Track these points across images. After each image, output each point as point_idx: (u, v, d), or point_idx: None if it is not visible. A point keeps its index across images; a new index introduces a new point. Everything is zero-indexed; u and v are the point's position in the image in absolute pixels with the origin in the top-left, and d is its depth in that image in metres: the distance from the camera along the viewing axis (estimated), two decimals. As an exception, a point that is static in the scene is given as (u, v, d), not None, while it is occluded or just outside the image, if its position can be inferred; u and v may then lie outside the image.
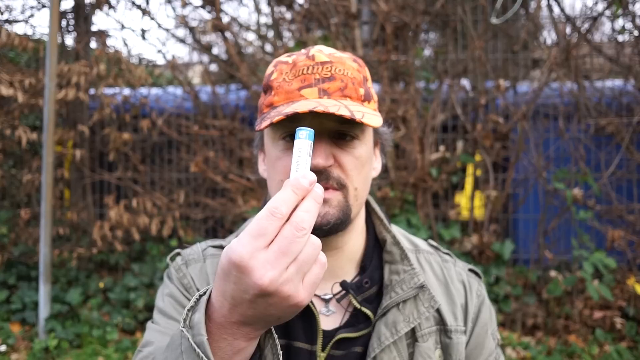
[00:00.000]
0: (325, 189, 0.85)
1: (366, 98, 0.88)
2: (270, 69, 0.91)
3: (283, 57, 0.90)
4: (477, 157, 4.02)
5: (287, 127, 0.85)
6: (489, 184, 3.95)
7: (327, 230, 0.86)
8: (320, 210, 0.83)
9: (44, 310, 3.67)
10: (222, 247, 1.02)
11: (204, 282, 0.96)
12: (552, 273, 3.67)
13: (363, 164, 0.89)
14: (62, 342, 3.56)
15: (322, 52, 0.88)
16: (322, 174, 0.84)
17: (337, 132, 0.86)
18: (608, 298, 3.39)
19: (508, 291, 3.73)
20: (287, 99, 0.85)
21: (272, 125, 0.83)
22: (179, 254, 1.03)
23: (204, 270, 0.97)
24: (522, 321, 3.68)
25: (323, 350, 0.90)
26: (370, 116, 0.83)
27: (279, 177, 0.88)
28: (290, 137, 0.86)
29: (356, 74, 0.88)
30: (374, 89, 0.94)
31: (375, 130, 0.95)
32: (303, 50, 0.91)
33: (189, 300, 0.93)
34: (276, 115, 0.80)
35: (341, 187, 0.86)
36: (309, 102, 0.81)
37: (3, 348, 3.51)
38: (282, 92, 0.85)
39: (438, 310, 0.96)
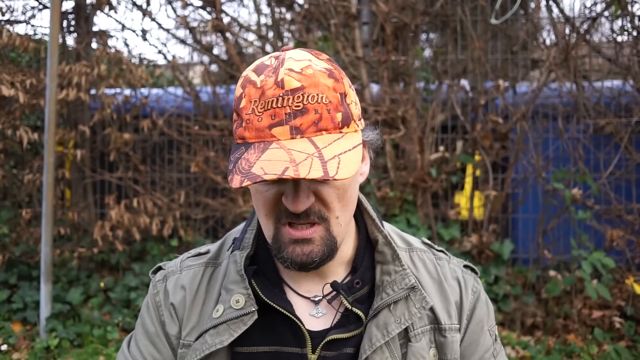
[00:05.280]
0: (307, 224, 0.84)
1: (344, 123, 0.81)
2: (238, 90, 0.84)
3: (252, 74, 0.83)
4: (477, 157, 4.03)
5: None
6: (488, 183, 3.97)
7: (315, 267, 0.85)
8: (305, 249, 0.84)
9: (45, 310, 3.68)
10: (199, 255, 1.03)
11: (177, 294, 0.97)
12: (551, 273, 3.68)
13: (345, 190, 0.85)
14: (63, 342, 3.58)
15: (292, 72, 0.79)
16: (302, 213, 0.83)
17: None
18: (607, 298, 3.39)
19: (507, 291, 3.74)
20: (258, 137, 0.80)
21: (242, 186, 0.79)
22: (160, 267, 1.04)
23: (179, 282, 0.98)
24: (521, 321, 3.69)
25: (314, 352, 0.89)
26: (348, 157, 0.78)
27: (262, 211, 0.87)
28: None
29: (332, 96, 0.80)
30: (356, 99, 0.87)
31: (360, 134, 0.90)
32: (273, 62, 0.82)
33: (153, 322, 0.97)
34: (246, 173, 0.76)
35: (323, 220, 0.84)
36: (279, 153, 0.76)
37: (4, 347, 3.52)
38: (252, 128, 0.80)
39: (432, 309, 0.95)
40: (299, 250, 0.84)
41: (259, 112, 0.79)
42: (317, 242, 0.84)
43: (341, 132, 0.81)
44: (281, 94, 0.78)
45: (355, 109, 0.85)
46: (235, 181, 0.77)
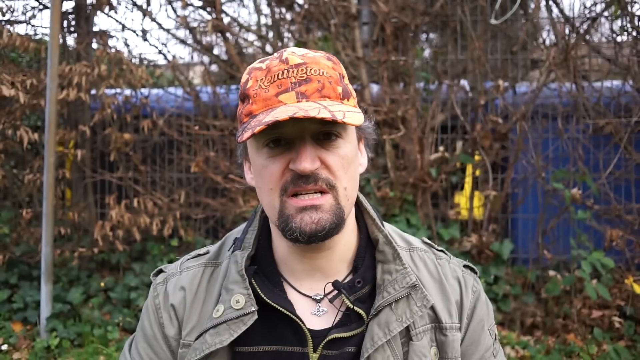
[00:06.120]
0: (315, 192, 0.85)
1: (345, 96, 0.87)
2: (244, 77, 0.90)
3: (256, 64, 0.90)
4: (477, 157, 4.03)
5: (269, 134, 0.85)
6: (488, 183, 3.97)
7: (323, 236, 0.86)
8: (313, 217, 0.85)
9: (45, 310, 3.68)
10: (199, 256, 1.04)
11: (177, 295, 0.98)
12: (551, 273, 3.69)
13: (350, 163, 0.89)
14: (64, 341, 3.58)
15: (295, 53, 0.87)
16: (309, 177, 0.84)
17: (319, 133, 0.86)
18: (606, 298, 3.40)
19: (507, 291, 3.74)
20: (265, 106, 0.84)
21: (254, 134, 0.82)
22: (161, 270, 1.05)
23: (178, 283, 0.99)
24: (521, 320, 3.70)
25: (315, 351, 0.90)
26: (352, 114, 0.82)
27: (268, 186, 0.88)
28: (273, 144, 0.86)
29: (332, 73, 0.87)
30: (351, 86, 0.93)
31: (358, 126, 0.94)
32: (276, 54, 0.89)
33: (152, 324, 0.98)
34: (257, 125, 0.80)
35: (331, 188, 0.86)
36: (288, 108, 0.80)
37: (5, 347, 3.52)
38: (259, 100, 0.84)
39: (433, 308, 0.95)
40: (308, 218, 0.85)
41: (266, 86, 0.85)
42: (326, 209, 0.86)
43: (342, 103, 0.86)
44: (286, 68, 0.85)
45: (353, 92, 0.91)
46: (247, 134, 0.81)
